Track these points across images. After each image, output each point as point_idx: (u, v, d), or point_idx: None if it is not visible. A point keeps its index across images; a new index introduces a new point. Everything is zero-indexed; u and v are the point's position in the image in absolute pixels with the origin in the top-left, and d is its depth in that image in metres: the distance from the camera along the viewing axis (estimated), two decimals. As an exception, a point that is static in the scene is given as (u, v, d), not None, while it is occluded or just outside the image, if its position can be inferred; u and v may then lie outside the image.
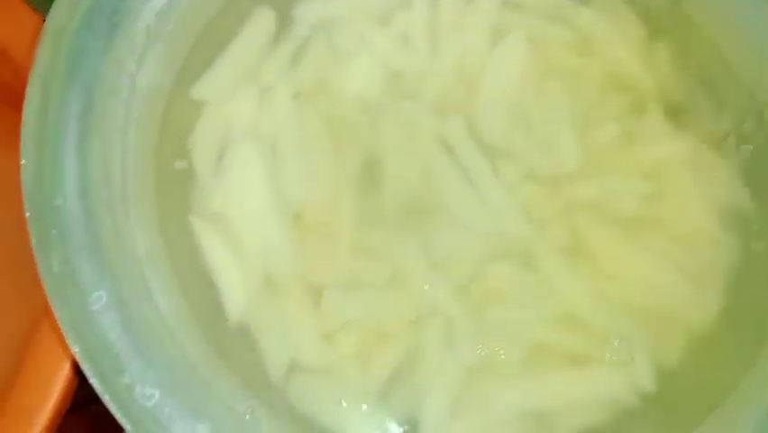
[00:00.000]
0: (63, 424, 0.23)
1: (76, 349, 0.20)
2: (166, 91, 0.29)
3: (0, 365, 0.24)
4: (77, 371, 0.23)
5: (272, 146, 0.29)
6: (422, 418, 0.26)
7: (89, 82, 0.25)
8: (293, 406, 0.26)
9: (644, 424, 0.26)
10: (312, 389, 0.26)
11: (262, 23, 0.31)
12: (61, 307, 0.21)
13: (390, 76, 0.31)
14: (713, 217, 0.29)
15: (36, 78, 0.23)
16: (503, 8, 0.32)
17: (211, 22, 0.31)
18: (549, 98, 0.31)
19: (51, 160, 0.23)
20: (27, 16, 0.27)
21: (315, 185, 0.29)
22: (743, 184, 0.30)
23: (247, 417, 0.24)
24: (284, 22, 0.31)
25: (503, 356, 0.27)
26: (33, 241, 0.22)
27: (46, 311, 0.22)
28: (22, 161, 0.22)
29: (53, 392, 0.22)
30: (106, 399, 0.20)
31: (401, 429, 0.26)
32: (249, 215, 0.28)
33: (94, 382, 0.20)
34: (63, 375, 0.22)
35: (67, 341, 0.21)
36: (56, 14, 0.25)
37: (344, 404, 0.26)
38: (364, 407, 0.26)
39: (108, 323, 0.22)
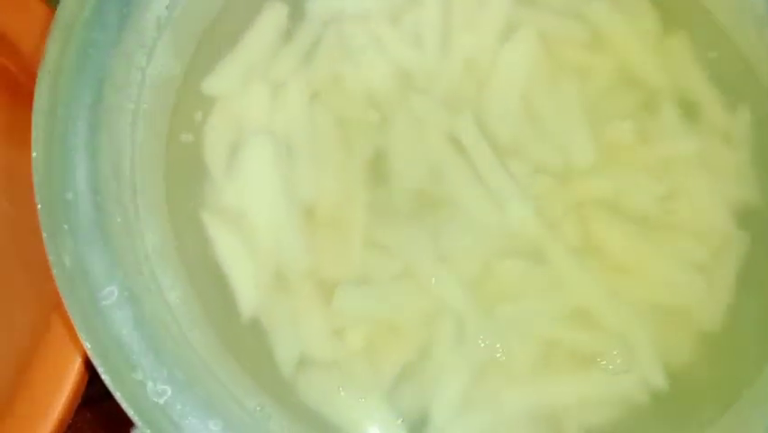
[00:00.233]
0: (74, 419, 0.23)
1: (88, 345, 0.20)
2: (176, 84, 0.28)
3: (12, 361, 0.24)
4: (89, 366, 0.23)
5: (284, 142, 0.29)
6: (431, 414, 0.26)
7: (99, 75, 0.25)
8: (303, 401, 0.26)
9: (655, 423, 0.26)
10: (322, 384, 0.26)
11: (274, 17, 0.31)
12: (73, 302, 0.21)
13: (401, 72, 0.31)
14: (726, 215, 0.29)
15: (46, 71, 0.23)
16: (515, 4, 0.32)
17: (221, 14, 0.30)
18: (560, 94, 0.31)
19: (62, 153, 0.23)
20: (37, 8, 0.26)
21: (326, 181, 0.29)
22: (756, 181, 0.30)
23: (257, 413, 0.23)
24: (295, 16, 0.31)
25: (513, 353, 0.27)
26: (45, 235, 0.21)
27: (57, 306, 0.22)
28: (33, 154, 0.22)
29: (64, 388, 0.22)
30: (118, 396, 0.20)
31: (410, 426, 0.26)
32: (260, 210, 0.28)
33: (106, 378, 0.20)
34: (74, 371, 0.22)
35: (79, 337, 0.21)
36: (66, 6, 0.25)
37: (354, 400, 0.26)
38: (374, 403, 0.26)
39: (120, 319, 0.21)
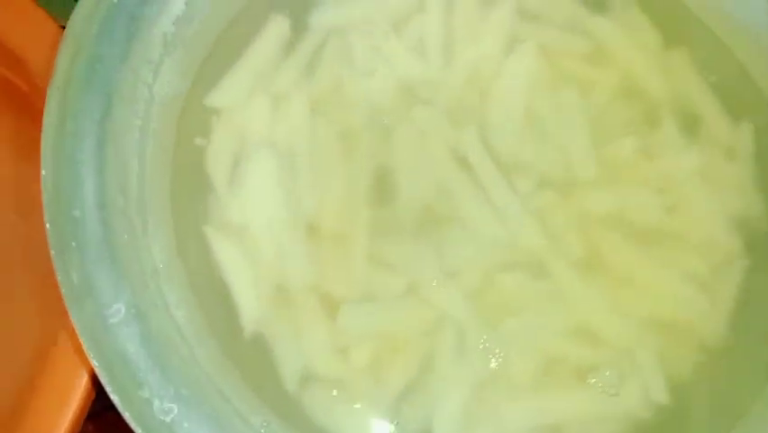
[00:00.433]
0: (80, 433, 0.23)
1: (95, 363, 0.20)
2: (181, 99, 0.29)
3: (19, 376, 0.24)
4: (95, 382, 0.23)
5: (287, 155, 0.29)
6: (433, 428, 0.26)
7: (107, 91, 0.25)
8: (307, 417, 0.26)
9: (658, 438, 0.26)
10: (326, 400, 0.26)
11: (277, 30, 0.31)
12: (81, 320, 0.21)
13: (404, 84, 0.31)
14: (728, 229, 0.29)
15: (55, 88, 0.23)
16: (518, 17, 0.32)
17: (227, 29, 0.30)
18: (563, 108, 0.31)
19: (70, 171, 0.23)
20: (46, 25, 0.27)
21: (329, 195, 0.29)
22: (758, 195, 0.30)
23: (262, 430, 0.24)
24: (298, 29, 0.31)
25: (515, 367, 0.27)
26: (53, 253, 0.22)
27: (64, 321, 0.22)
28: (42, 172, 0.22)
29: (71, 404, 0.22)
30: (127, 415, 0.20)
31: (414, 441, 0.26)
32: (263, 224, 0.28)
33: (114, 397, 0.20)
34: (81, 387, 0.22)
35: (86, 354, 0.21)
36: (75, 23, 0.25)
37: (358, 416, 0.26)
38: (377, 418, 0.26)
39: (127, 336, 0.22)
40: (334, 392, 0.26)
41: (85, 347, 0.21)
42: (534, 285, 0.28)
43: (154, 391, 0.21)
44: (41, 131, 0.23)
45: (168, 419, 0.21)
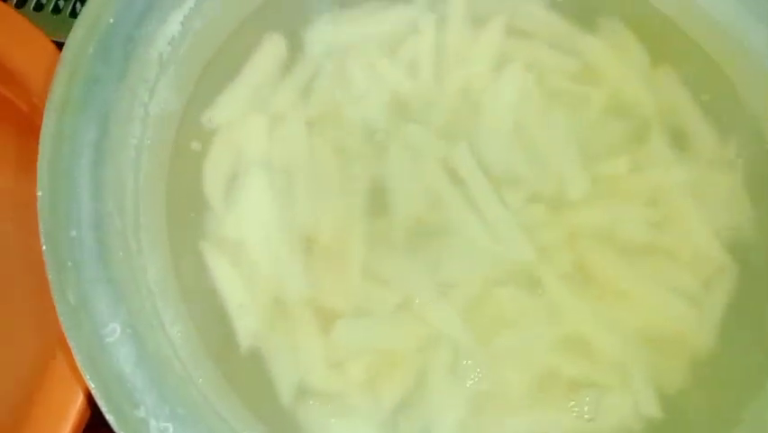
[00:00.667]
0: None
1: (92, 384, 0.20)
2: (177, 118, 0.29)
3: (14, 396, 0.24)
4: (91, 401, 0.23)
5: (283, 172, 0.29)
6: (429, 443, 0.26)
7: (103, 111, 0.25)
8: (303, 432, 0.26)
9: (650, 451, 0.27)
10: (321, 415, 0.26)
11: (273, 49, 0.32)
12: (77, 340, 0.21)
13: (398, 102, 0.31)
14: (717, 242, 0.30)
15: (52, 110, 0.24)
16: (509, 36, 0.33)
17: (222, 47, 0.31)
18: (553, 124, 0.31)
19: (66, 191, 0.23)
20: (45, 46, 0.27)
21: (325, 211, 0.29)
22: (746, 209, 0.30)
23: (258, 446, 0.24)
24: (294, 47, 0.32)
25: (510, 382, 0.27)
26: (50, 273, 0.22)
27: (59, 341, 0.23)
28: (39, 193, 0.23)
29: (66, 423, 0.22)
30: (123, 435, 0.20)
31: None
32: (259, 240, 0.28)
33: (110, 417, 0.20)
34: (76, 407, 0.22)
35: (82, 374, 0.21)
36: (72, 44, 0.25)
37: (353, 430, 0.26)
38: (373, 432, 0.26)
39: (123, 356, 0.22)
40: (330, 407, 0.26)
41: (80, 367, 0.21)
42: (527, 300, 0.28)
43: (150, 410, 0.21)
44: (38, 150, 0.23)
45: (163, 439, 0.21)
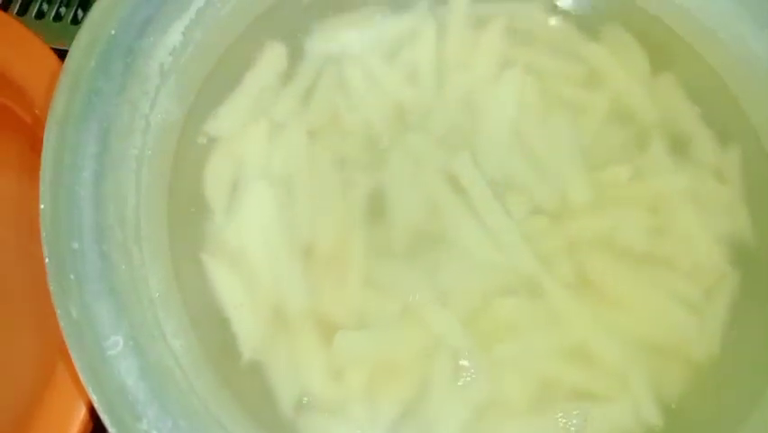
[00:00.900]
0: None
1: (94, 398, 0.21)
2: (178, 128, 0.29)
3: (16, 409, 0.24)
4: (93, 415, 0.23)
5: (284, 181, 0.30)
6: (431, 453, 0.26)
7: (105, 124, 0.25)
8: (304, 443, 0.26)
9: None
10: (322, 425, 0.26)
11: (273, 57, 0.32)
12: (79, 353, 0.21)
13: (399, 110, 0.31)
14: (717, 249, 0.30)
15: (53, 123, 0.24)
16: (510, 42, 0.33)
17: (223, 57, 0.31)
18: (554, 131, 0.31)
19: (68, 204, 0.23)
20: (49, 60, 0.27)
21: (325, 220, 0.29)
22: (748, 217, 0.30)
23: (260, 457, 0.24)
24: (295, 56, 0.32)
25: (511, 390, 0.27)
26: (52, 286, 0.22)
27: (62, 354, 0.23)
28: (41, 206, 0.23)
29: (69, 436, 0.22)
30: (125, 449, 0.20)
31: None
32: (260, 249, 0.28)
33: (113, 430, 0.20)
34: (79, 420, 0.22)
35: (85, 387, 0.21)
36: (73, 56, 0.25)
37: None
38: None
39: (125, 368, 0.22)
40: (331, 417, 0.26)
41: (83, 380, 0.21)
42: (528, 308, 0.28)
43: (152, 423, 0.21)
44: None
45: (166, 452, 0.21)
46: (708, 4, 0.32)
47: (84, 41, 0.26)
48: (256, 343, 0.27)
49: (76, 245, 0.23)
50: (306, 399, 0.26)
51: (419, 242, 0.29)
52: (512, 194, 0.30)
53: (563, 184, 0.30)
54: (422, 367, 0.27)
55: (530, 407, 0.27)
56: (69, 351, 0.21)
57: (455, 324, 0.28)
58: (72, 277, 0.22)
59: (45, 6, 0.40)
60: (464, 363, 0.27)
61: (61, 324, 0.22)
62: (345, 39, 0.33)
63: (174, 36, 0.28)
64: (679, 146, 0.31)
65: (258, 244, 0.29)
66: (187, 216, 0.28)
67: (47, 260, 0.22)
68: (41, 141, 0.24)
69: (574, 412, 0.26)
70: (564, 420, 0.26)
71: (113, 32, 0.26)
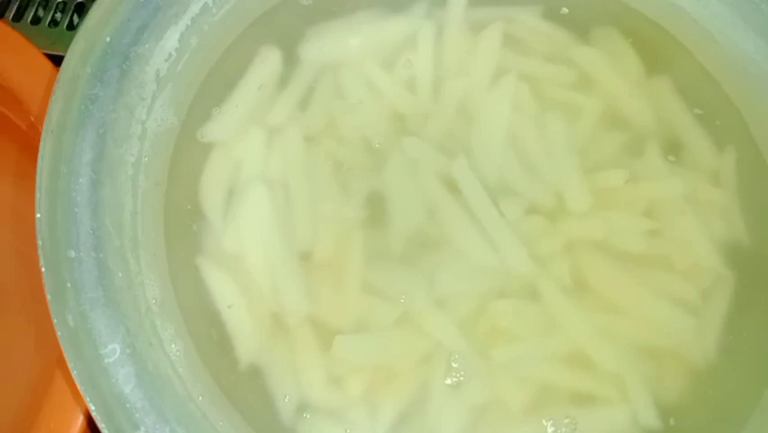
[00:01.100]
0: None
1: (92, 407, 0.21)
2: (174, 134, 0.29)
3: (14, 418, 0.24)
4: (90, 423, 0.23)
5: (281, 186, 0.30)
6: (429, 457, 0.26)
7: (101, 131, 0.25)
8: (303, 448, 0.26)
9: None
10: (321, 430, 0.26)
11: (269, 63, 0.32)
12: (77, 362, 0.21)
13: (395, 115, 0.31)
14: (713, 252, 0.30)
15: (49, 131, 0.24)
16: (506, 48, 0.33)
17: (218, 63, 0.31)
18: (550, 135, 0.32)
19: (64, 212, 0.23)
20: (45, 67, 0.27)
21: (323, 225, 0.29)
22: (743, 220, 0.30)
23: (258, 463, 0.24)
24: (290, 61, 0.32)
25: (509, 394, 0.27)
26: (49, 295, 0.22)
27: (59, 362, 0.23)
28: (38, 215, 0.23)
29: (67, 444, 0.22)
30: (123, 458, 0.20)
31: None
32: (258, 255, 0.28)
33: (110, 440, 0.20)
34: (76, 428, 0.22)
35: (82, 396, 0.21)
36: (69, 63, 0.25)
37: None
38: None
39: (122, 376, 0.22)
40: (330, 422, 0.26)
41: (81, 389, 0.21)
42: (525, 311, 0.28)
43: (150, 430, 0.21)
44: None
45: (164, 460, 0.21)
46: (701, 7, 0.32)
47: (79, 47, 0.26)
48: (254, 348, 0.27)
49: (72, 253, 0.23)
50: (304, 404, 0.26)
51: (417, 246, 0.29)
52: (509, 198, 0.30)
53: (560, 188, 0.30)
54: (420, 371, 0.27)
55: (527, 410, 0.27)
56: (66, 359, 0.21)
57: (452, 328, 0.28)
58: (69, 285, 0.22)
59: (41, 12, 0.40)
60: (462, 367, 0.27)
61: (58, 332, 0.22)
62: (341, 44, 0.33)
63: (170, 42, 0.28)
64: (674, 149, 0.31)
65: (255, 249, 0.29)
66: (184, 222, 0.28)
67: (43, 268, 0.22)
68: (36, 148, 0.24)
69: (570, 416, 0.26)
70: (563, 421, 0.26)
71: (108, 38, 0.26)
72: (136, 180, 0.26)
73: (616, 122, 0.32)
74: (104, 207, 0.24)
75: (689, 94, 0.32)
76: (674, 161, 0.31)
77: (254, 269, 0.28)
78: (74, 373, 0.21)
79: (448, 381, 0.27)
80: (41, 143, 0.23)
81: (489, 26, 0.33)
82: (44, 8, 0.40)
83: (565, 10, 0.34)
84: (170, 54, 0.28)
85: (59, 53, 0.26)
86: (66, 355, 0.21)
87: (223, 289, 0.28)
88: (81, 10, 0.40)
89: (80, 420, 0.23)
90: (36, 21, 0.40)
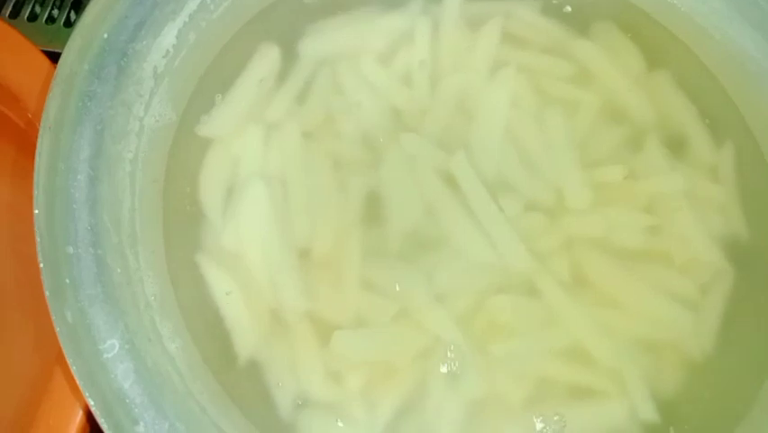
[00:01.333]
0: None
1: (91, 402, 0.21)
2: (172, 130, 0.29)
3: (13, 413, 0.24)
4: (90, 419, 0.23)
5: (279, 183, 0.30)
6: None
7: (98, 127, 0.25)
8: (302, 444, 0.26)
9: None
10: (320, 426, 0.26)
11: (267, 59, 0.32)
12: (76, 357, 0.21)
13: (393, 111, 0.31)
14: (712, 248, 0.30)
15: (46, 128, 0.24)
16: (504, 42, 0.33)
17: (216, 59, 0.31)
18: (548, 131, 0.32)
19: (63, 208, 0.23)
20: (42, 64, 0.27)
21: (321, 221, 0.29)
22: (743, 215, 0.30)
23: (257, 459, 0.24)
24: (288, 57, 0.32)
25: (508, 389, 0.27)
26: (47, 292, 0.22)
27: (58, 358, 0.23)
28: (36, 211, 0.23)
29: (67, 440, 0.22)
30: (122, 453, 0.20)
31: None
32: (256, 252, 0.28)
33: (109, 434, 0.20)
34: (76, 424, 0.22)
35: (82, 392, 0.21)
36: (66, 60, 0.25)
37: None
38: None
39: (121, 372, 0.22)
40: (329, 417, 0.26)
41: (80, 385, 0.21)
42: (524, 307, 0.28)
43: (149, 426, 0.21)
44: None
45: (163, 455, 0.21)
46: (699, 3, 0.32)
47: (77, 44, 0.26)
48: (252, 344, 0.27)
49: (71, 250, 0.23)
50: (303, 399, 0.26)
51: (415, 242, 0.29)
52: (507, 193, 0.30)
53: (559, 184, 0.30)
54: (419, 367, 0.27)
55: (526, 405, 0.27)
56: (65, 355, 0.21)
57: (451, 324, 0.28)
58: (67, 281, 0.22)
59: (38, 9, 0.40)
60: (461, 362, 0.27)
61: (57, 328, 0.22)
62: (339, 39, 0.33)
63: (167, 39, 0.28)
64: (673, 144, 0.31)
65: (254, 245, 0.29)
66: (183, 219, 0.28)
67: (41, 265, 0.22)
68: (34, 145, 0.24)
69: (561, 413, 0.26)
70: (557, 418, 0.26)
71: (106, 35, 0.26)
72: (134, 177, 0.26)
73: (615, 117, 0.32)
74: (102, 203, 0.25)
75: (688, 89, 0.32)
76: (673, 157, 0.31)
77: (253, 265, 0.28)
78: (73, 369, 0.21)
79: (446, 375, 0.27)
80: (39, 140, 0.23)
81: (487, 22, 0.33)
82: (41, 5, 0.40)
83: (564, 5, 0.34)
84: (168, 51, 0.28)
85: (57, 50, 0.26)
86: (65, 351, 0.21)
87: (222, 285, 0.28)
88: (78, 7, 0.40)
89: (80, 416, 0.23)
90: (33, 18, 0.40)
